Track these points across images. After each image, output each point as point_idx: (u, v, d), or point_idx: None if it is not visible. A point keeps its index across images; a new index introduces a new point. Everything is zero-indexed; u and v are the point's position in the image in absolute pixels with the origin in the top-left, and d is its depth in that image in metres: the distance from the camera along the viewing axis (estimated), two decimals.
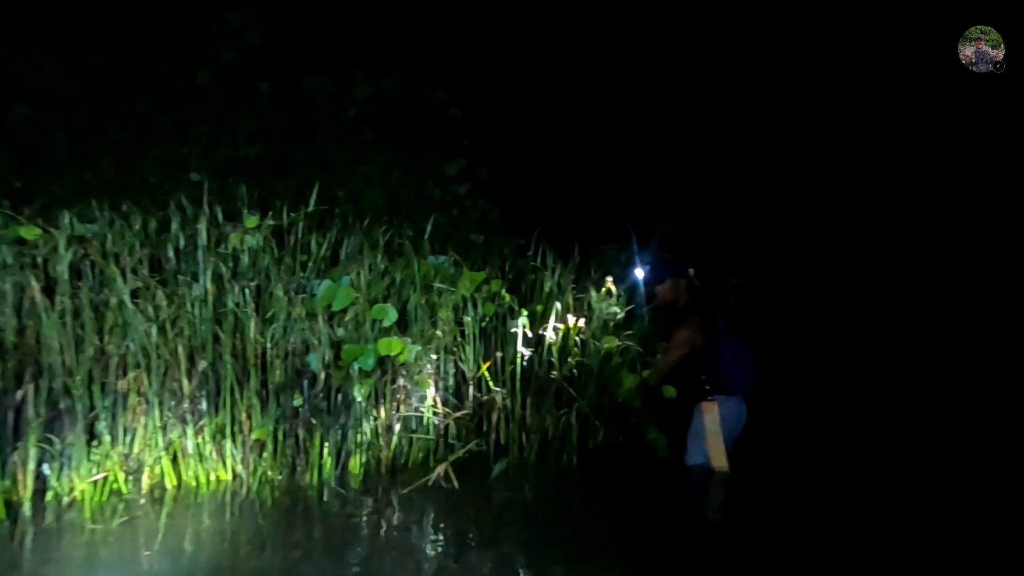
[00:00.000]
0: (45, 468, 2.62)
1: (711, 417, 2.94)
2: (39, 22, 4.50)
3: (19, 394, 2.59)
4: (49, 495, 2.60)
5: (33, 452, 2.55)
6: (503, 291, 3.42)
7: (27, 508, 2.51)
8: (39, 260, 2.74)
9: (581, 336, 3.54)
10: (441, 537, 2.44)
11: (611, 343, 3.47)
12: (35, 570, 2.10)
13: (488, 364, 3.31)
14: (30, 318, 2.67)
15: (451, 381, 3.30)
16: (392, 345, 2.85)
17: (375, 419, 3.08)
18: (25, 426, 2.57)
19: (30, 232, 2.73)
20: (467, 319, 3.34)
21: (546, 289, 3.70)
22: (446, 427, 3.22)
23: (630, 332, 3.65)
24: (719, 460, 2.94)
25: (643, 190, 5.27)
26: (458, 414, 3.17)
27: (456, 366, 3.33)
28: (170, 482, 2.81)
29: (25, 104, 4.13)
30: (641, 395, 3.46)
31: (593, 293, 3.68)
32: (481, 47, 5.61)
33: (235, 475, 2.90)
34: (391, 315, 2.96)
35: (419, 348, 3.09)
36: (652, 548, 2.44)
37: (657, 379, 3.30)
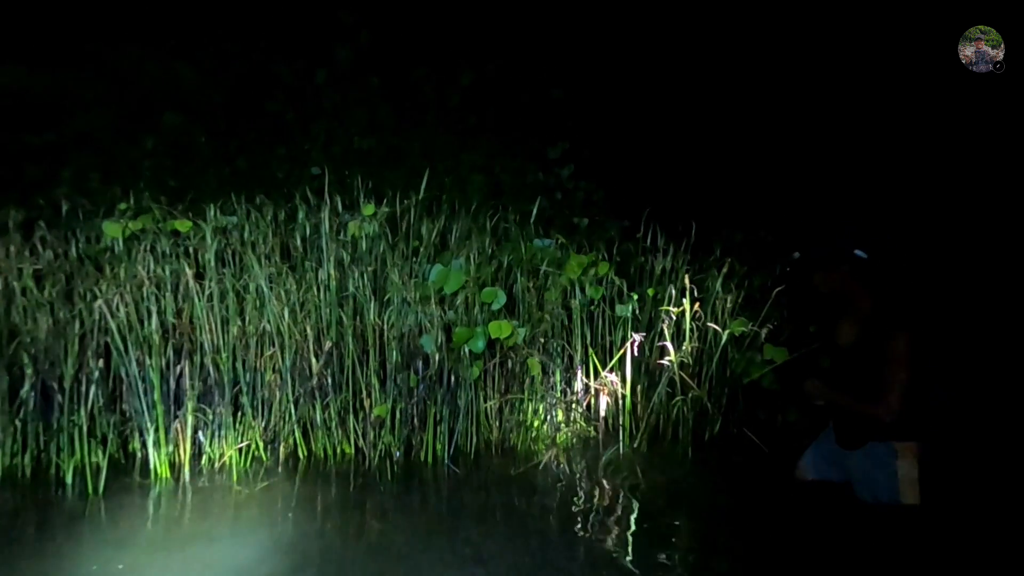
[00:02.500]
0: (200, 435, 2.94)
1: (910, 463, 2.17)
2: (178, 33, 5.00)
3: (178, 368, 2.93)
4: (203, 459, 2.92)
5: (191, 420, 2.87)
6: (611, 273, 3.33)
7: (187, 470, 2.84)
8: (191, 250, 3.05)
9: (697, 321, 3.36)
10: (545, 520, 2.42)
11: (740, 326, 3.25)
12: (196, 523, 2.37)
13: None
14: (184, 301, 3.00)
15: (560, 365, 3.26)
16: (502, 328, 2.86)
17: (485, 401, 3.12)
18: (183, 397, 2.89)
19: (183, 225, 3.05)
20: (574, 303, 3.29)
21: (657, 271, 3.55)
22: (555, 411, 3.20)
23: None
24: (913, 499, 2.19)
25: (763, 170, 4.89)
26: (567, 399, 3.14)
27: (564, 350, 3.30)
28: (302, 452, 3.04)
29: (174, 111, 4.62)
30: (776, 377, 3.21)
31: (715, 275, 3.47)
32: (583, 25, 5.46)
33: (358, 449, 3.09)
34: (500, 298, 2.97)
35: (527, 331, 3.09)
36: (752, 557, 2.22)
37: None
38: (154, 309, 2.88)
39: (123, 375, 2.84)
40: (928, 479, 2.19)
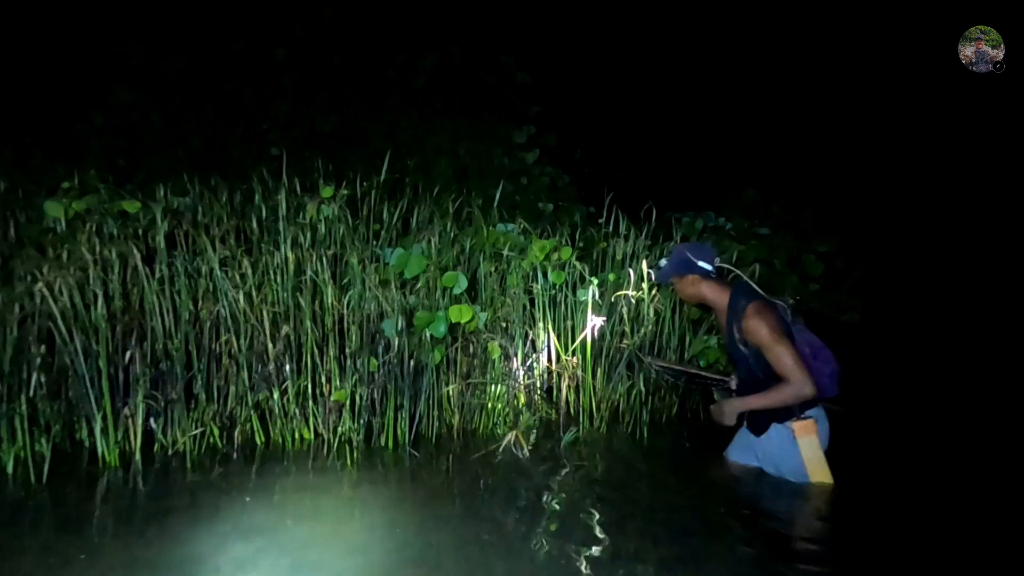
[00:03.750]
0: (152, 423, 2.86)
1: (810, 441, 2.33)
2: (133, 8, 4.78)
3: (127, 355, 2.83)
4: (156, 447, 2.84)
5: (141, 407, 2.79)
6: (573, 259, 3.35)
7: (138, 458, 2.76)
8: (140, 232, 2.94)
9: (656, 305, 3.41)
10: (506, 503, 2.45)
11: (697, 311, 3.32)
12: (148, 512, 2.30)
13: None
14: (133, 285, 2.89)
15: (521, 349, 3.28)
16: (462, 312, 2.86)
17: (446, 385, 3.13)
18: (133, 384, 2.80)
19: (132, 205, 2.93)
20: (536, 287, 3.31)
21: (618, 257, 3.59)
22: (516, 395, 3.23)
23: None
24: (823, 477, 2.38)
25: (725, 154, 4.97)
26: (528, 382, 3.16)
27: (526, 334, 3.32)
28: (259, 439, 2.99)
29: (124, 87, 4.43)
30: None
31: None
32: (549, 13, 5.43)
33: (317, 434, 3.05)
34: (461, 283, 2.96)
35: (488, 316, 3.09)
36: (705, 538, 2.20)
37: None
38: (100, 293, 2.77)
39: (68, 361, 2.73)
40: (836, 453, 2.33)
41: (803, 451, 2.35)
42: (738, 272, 2.64)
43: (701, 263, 2.43)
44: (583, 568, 1.91)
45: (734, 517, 2.33)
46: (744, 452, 2.65)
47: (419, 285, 3.02)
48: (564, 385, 3.31)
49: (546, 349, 3.34)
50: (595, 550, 2.02)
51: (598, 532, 2.17)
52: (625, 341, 3.32)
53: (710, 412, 2.59)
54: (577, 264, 3.38)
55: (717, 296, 2.44)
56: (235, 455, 2.87)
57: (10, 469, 2.60)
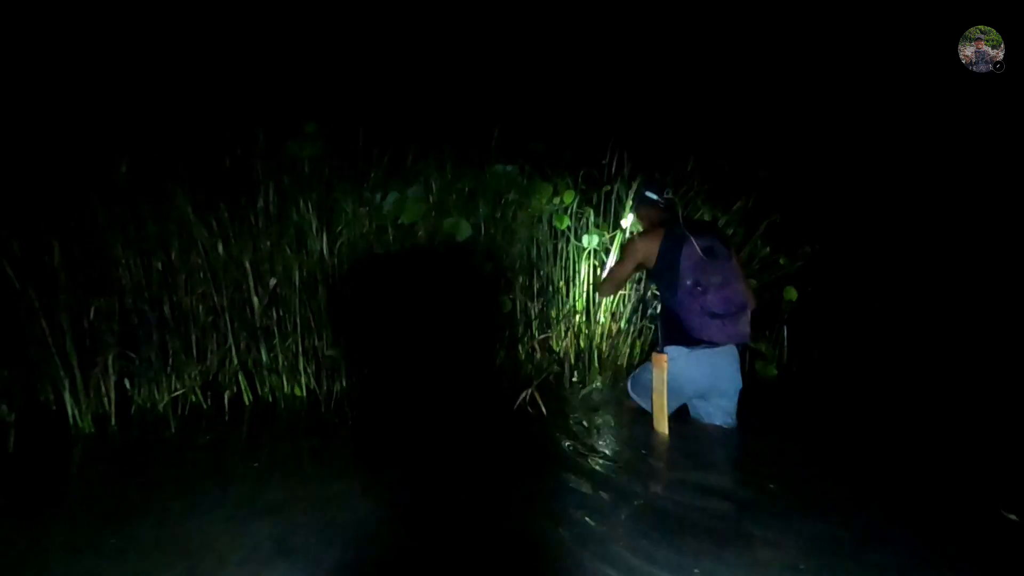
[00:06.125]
0: (126, 382, 2.60)
1: (658, 374, 2.32)
2: None
3: (92, 310, 2.53)
4: (133, 409, 2.61)
5: (113, 367, 2.52)
6: (574, 204, 3.15)
7: (114, 423, 2.52)
8: (97, 172, 2.58)
9: None
10: (527, 461, 2.34)
11: None
12: (130, 485, 2.09)
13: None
14: (92, 233, 2.56)
15: (532, 303, 3.12)
16: (459, 226, 2.64)
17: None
18: (102, 341, 2.52)
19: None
20: (538, 234, 3.12)
21: (626, 201, 3.40)
22: (524, 349, 3.09)
23: None
24: (659, 424, 2.40)
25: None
26: (541, 336, 3.01)
27: (531, 284, 3.15)
28: (247, 398, 2.79)
29: None
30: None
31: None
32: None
33: (310, 391, 2.86)
34: (464, 229, 2.74)
35: (492, 265, 2.90)
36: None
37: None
38: (55, 241, 2.43)
39: (24, 317, 2.42)
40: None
41: (653, 380, 2.37)
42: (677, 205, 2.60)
43: (648, 192, 2.52)
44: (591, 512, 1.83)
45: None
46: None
47: (419, 233, 2.79)
48: (567, 337, 3.19)
49: (556, 299, 3.19)
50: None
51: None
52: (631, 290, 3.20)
53: None
54: (589, 210, 3.19)
55: (652, 222, 2.51)
56: (224, 416, 2.65)
57: None
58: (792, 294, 3.37)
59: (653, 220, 2.49)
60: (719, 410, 2.45)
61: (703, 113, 4.79)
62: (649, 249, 2.35)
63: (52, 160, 2.64)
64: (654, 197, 2.48)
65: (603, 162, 3.54)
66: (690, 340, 2.25)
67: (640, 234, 2.51)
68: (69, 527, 1.80)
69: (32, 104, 2.80)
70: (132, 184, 2.58)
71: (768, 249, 3.49)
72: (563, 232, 3.19)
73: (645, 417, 2.51)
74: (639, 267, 2.49)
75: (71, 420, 2.45)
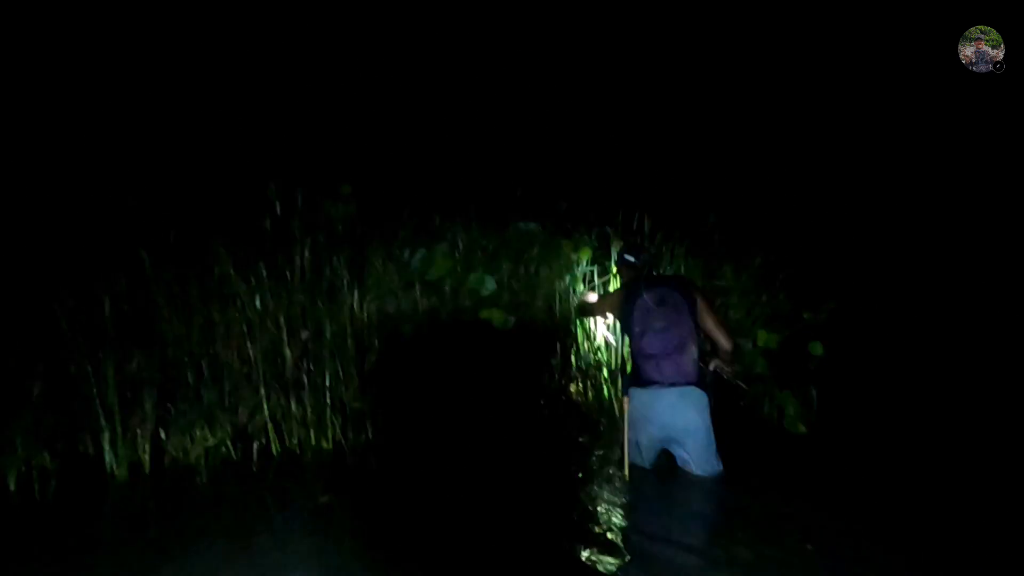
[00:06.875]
0: (162, 433, 2.69)
1: (624, 414, 2.50)
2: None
3: (134, 362, 2.66)
4: (167, 459, 2.68)
5: (150, 417, 2.62)
6: (586, 260, 3.26)
7: (147, 470, 2.60)
8: (146, 231, 2.78)
9: None
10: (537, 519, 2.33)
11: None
12: (161, 533, 2.15)
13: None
14: (139, 287, 2.73)
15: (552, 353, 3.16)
16: (493, 315, 2.74)
17: None
18: (143, 393, 2.63)
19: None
20: (559, 286, 3.20)
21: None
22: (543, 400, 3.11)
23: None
24: (624, 463, 2.49)
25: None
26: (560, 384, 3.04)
27: (551, 336, 3.21)
28: (275, 448, 2.84)
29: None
30: (766, 360, 3.19)
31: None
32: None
33: (335, 442, 2.91)
34: (488, 284, 2.84)
35: (514, 319, 2.98)
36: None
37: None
38: (106, 295, 2.60)
39: (72, 370, 2.56)
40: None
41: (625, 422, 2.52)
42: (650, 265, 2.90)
43: (626, 256, 2.80)
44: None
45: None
46: None
47: (445, 287, 2.89)
48: (587, 385, 3.21)
49: (575, 348, 3.23)
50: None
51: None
52: None
53: None
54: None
55: (625, 279, 2.80)
56: (252, 467, 2.71)
57: (12, 485, 2.43)
58: (818, 349, 3.35)
59: (625, 277, 2.81)
60: (688, 456, 2.47)
61: (723, 170, 4.92)
62: (615, 302, 2.67)
63: (106, 221, 2.85)
64: (632, 259, 2.79)
65: (617, 220, 3.66)
66: (640, 380, 2.45)
67: (615, 290, 2.91)
68: (100, 573, 1.85)
69: (91, 172, 3.05)
70: (179, 243, 2.76)
71: (789, 304, 3.51)
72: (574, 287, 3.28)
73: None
74: (608, 314, 2.88)
75: (108, 468, 2.54)
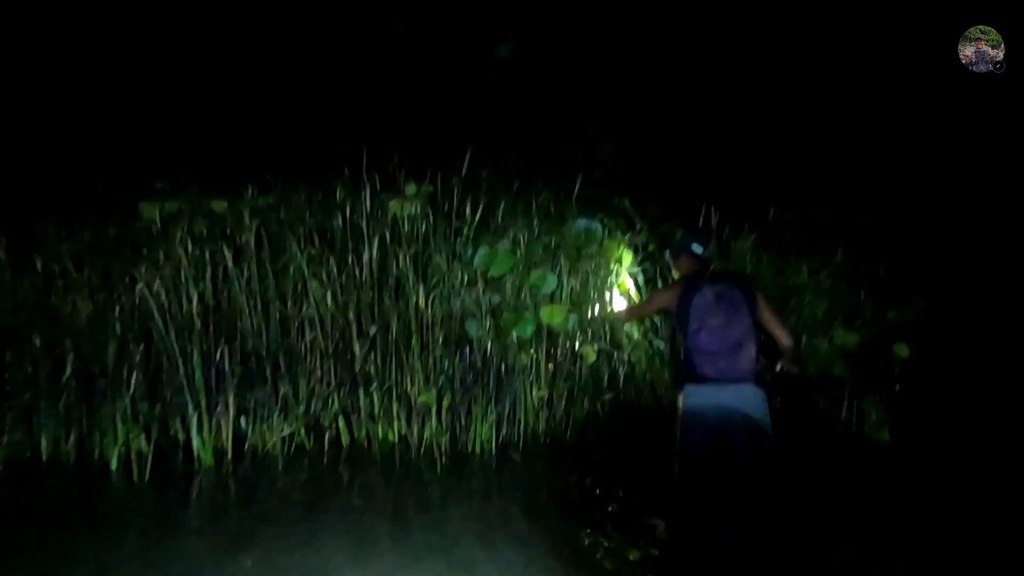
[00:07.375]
0: (243, 422, 2.86)
1: (679, 409, 2.40)
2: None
3: (218, 353, 2.84)
4: (246, 446, 2.85)
5: (233, 407, 2.79)
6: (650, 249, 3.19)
7: (229, 457, 2.77)
8: (228, 231, 2.95)
9: None
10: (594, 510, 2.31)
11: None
12: (242, 520, 2.29)
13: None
14: (223, 284, 2.90)
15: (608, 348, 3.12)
16: (553, 313, 2.73)
17: (535, 388, 3.00)
18: (224, 383, 2.81)
19: (219, 204, 2.95)
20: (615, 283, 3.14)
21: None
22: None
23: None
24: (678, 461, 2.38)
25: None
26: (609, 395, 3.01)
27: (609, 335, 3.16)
28: (344, 439, 2.96)
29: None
30: (846, 362, 3.00)
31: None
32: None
33: (401, 436, 2.99)
34: (550, 282, 2.83)
35: (577, 318, 2.95)
36: None
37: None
38: (194, 292, 2.79)
39: (164, 360, 2.76)
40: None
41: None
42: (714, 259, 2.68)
43: (693, 245, 2.60)
44: None
45: None
46: None
47: (507, 285, 2.90)
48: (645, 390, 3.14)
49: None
50: None
51: None
52: None
53: None
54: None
55: (684, 272, 2.61)
56: (323, 457, 2.83)
57: (113, 466, 2.65)
58: (904, 351, 3.12)
59: (685, 270, 2.62)
60: (742, 455, 2.28)
61: (797, 163, 4.70)
62: (671, 297, 2.52)
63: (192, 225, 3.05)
64: (699, 251, 2.58)
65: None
66: (695, 377, 2.35)
67: (669, 284, 2.79)
68: (188, 552, 2.00)
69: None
70: (257, 242, 2.91)
71: (871, 303, 3.29)
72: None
73: None
74: (662, 311, 2.75)
75: (196, 454, 2.72)
